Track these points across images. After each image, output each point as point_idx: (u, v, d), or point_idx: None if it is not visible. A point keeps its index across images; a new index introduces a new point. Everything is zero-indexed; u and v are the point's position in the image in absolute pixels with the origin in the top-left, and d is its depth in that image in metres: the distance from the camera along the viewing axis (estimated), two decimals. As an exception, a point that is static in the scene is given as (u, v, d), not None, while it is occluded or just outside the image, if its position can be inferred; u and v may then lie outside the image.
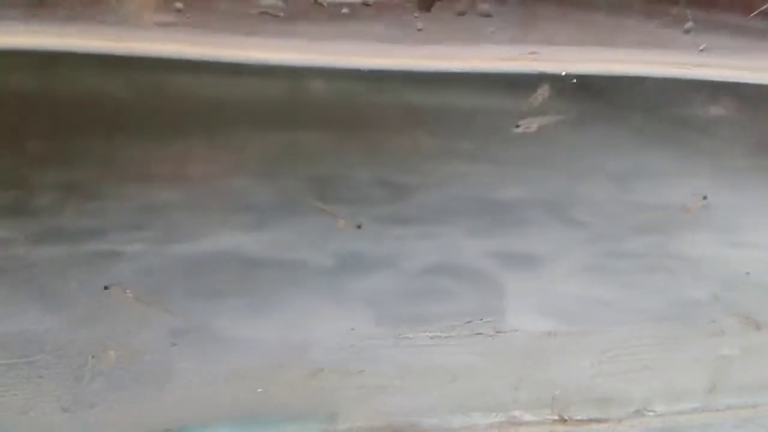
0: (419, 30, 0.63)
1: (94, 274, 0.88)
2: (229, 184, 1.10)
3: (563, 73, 0.66)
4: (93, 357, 0.72)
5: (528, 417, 0.70)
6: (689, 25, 0.69)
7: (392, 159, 1.26)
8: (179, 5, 0.61)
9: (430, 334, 0.74)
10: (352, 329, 0.77)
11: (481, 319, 0.75)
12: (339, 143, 1.30)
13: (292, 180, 1.14)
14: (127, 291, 0.80)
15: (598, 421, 0.71)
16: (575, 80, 0.68)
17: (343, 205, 1.09)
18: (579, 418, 0.70)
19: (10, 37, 0.62)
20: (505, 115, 1.31)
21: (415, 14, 0.64)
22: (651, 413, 0.81)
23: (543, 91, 0.80)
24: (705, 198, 0.92)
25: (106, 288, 0.81)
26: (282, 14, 0.61)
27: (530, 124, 0.88)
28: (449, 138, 1.32)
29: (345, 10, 0.62)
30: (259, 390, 0.71)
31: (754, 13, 0.70)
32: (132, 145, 1.12)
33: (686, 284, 0.93)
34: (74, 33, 0.63)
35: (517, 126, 0.90)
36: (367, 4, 0.61)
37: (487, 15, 0.65)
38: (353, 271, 0.93)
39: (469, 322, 0.75)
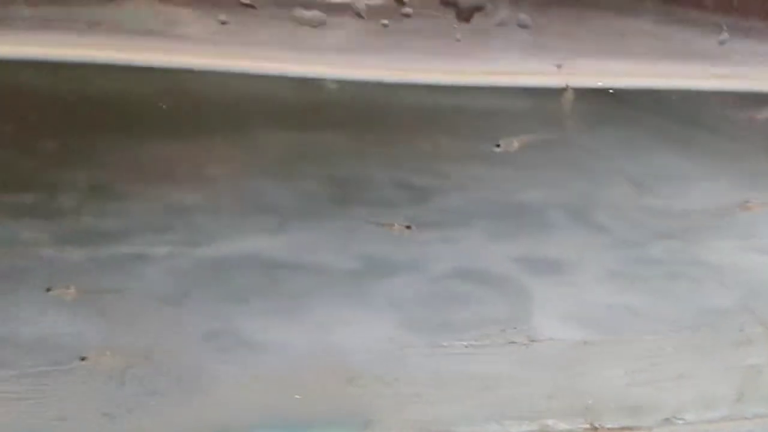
0: (458, 40, 0.64)
1: (122, 277, 0.88)
2: (249, 186, 1.11)
3: (599, 84, 0.67)
4: (131, 361, 0.72)
5: (561, 426, 0.70)
6: (724, 36, 0.69)
7: (411, 161, 1.27)
8: (223, 17, 0.61)
9: (465, 343, 0.74)
10: (389, 337, 0.78)
11: (515, 328, 0.75)
12: (357, 145, 1.30)
13: (311, 182, 1.14)
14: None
15: (629, 429, 0.72)
16: (612, 90, 0.68)
17: (362, 207, 1.09)
18: (610, 426, 0.71)
19: (49, 49, 0.62)
20: (525, 118, 1.32)
21: (455, 25, 0.64)
22: (681, 421, 0.81)
23: (568, 96, 0.80)
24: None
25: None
26: (323, 26, 0.61)
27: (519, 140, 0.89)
28: (467, 140, 1.33)
29: (385, 21, 0.62)
30: (297, 396, 0.71)
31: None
32: (153, 147, 1.13)
33: (712, 292, 0.93)
34: (114, 46, 0.63)
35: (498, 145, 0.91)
36: (406, 16, 0.61)
37: (525, 26, 0.65)
38: (379, 276, 0.93)
39: (503, 330, 0.75)
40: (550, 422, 0.70)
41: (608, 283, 0.93)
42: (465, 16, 0.62)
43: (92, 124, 1.18)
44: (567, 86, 0.66)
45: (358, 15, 0.61)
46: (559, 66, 0.66)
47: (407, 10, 0.61)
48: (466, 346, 0.74)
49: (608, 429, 0.71)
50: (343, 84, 1.35)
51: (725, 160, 1.10)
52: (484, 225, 1.08)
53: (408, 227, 0.94)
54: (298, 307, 0.85)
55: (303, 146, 1.28)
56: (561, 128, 1.26)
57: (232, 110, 1.29)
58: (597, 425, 0.70)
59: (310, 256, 0.96)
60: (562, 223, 1.09)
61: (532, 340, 0.75)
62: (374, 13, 0.62)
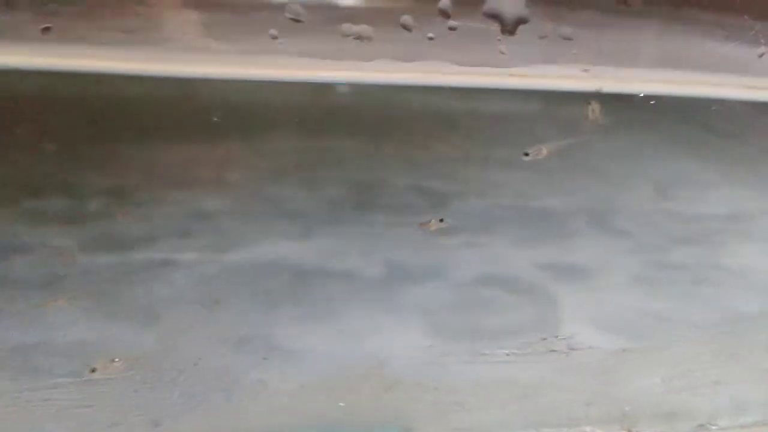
0: (502, 54, 0.64)
1: (153, 282, 0.89)
2: (270, 192, 1.11)
3: (641, 95, 0.67)
4: (179, 368, 0.73)
5: (599, 432, 0.71)
6: (763, 49, 0.70)
7: (430, 166, 1.27)
8: (274, 32, 0.61)
9: (506, 351, 0.75)
10: (428, 345, 0.78)
11: (556, 336, 0.76)
12: (376, 151, 1.31)
13: (332, 188, 1.15)
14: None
15: (666, 435, 0.73)
16: (653, 102, 0.69)
17: (381, 212, 1.09)
18: (647, 433, 0.72)
19: (83, 60, 0.62)
20: (548, 124, 1.32)
21: (498, 38, 0.64)
22: (714, 427, 0.82)
23: (595, 105, 0.81)
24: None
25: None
26: (371, 38, 0.62)
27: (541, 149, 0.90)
28: (488, 145, 1.33)
29: (431, 35, 0.63)
30: (341, 404, 0.72)
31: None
32: (172, 153, 1.13)
33: (738, 296, 0.94)
34: (159, 60, 0.63)
35: (526, 154, 0.92)
36: (452, 29, 0.62)
37: (568, 38, 0.66)
38: (406, 282, 0.94)
39: (544, 339, 0.76)
40: (587, 429, 0.71)
41: (634, 288, 0.94)
42: (509, 28, 0.63)
43: (114, 130, 1.18)
44: (599, 90, 0.67)
45: (405, 28, 0.61)
46: (586, 71, 0.67)
47: (453, 23, 0.62)
48: (508, 354, 0.75)
49: (645, 435, 0.71)
50: (359, 88, 1.36)
51: (747, 166, 1.11)
52: (507, 231, 1.08)
53: (441, 220, 0.95)
54: (329, 314, 0.86)
55: (321, 152, 1.28)
56: (583, 134, 1.27)
57: (249, 116, 1.29)
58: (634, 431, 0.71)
59: (336, 262, 0.97)
60: (584, 230, 1.09)
61: (572, 348, 0.76)
62: (420, 26, 0.62)
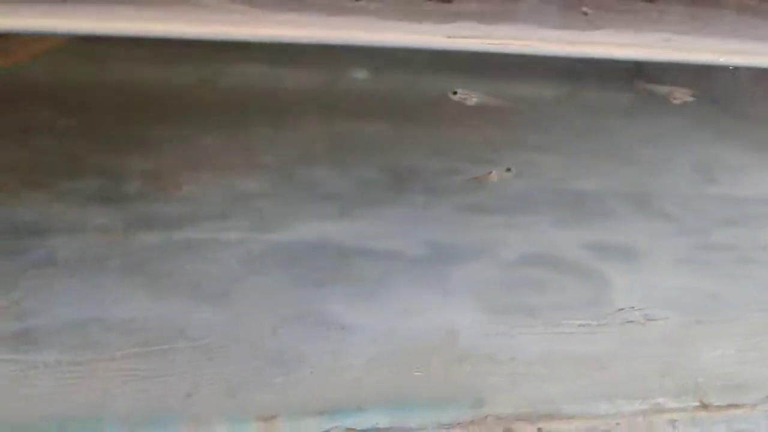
0: (585, 14, 0.64)
1: (199, 261, 0.88)
2: (305, 174, 1.10)
3: (719, 61, 0.67)
4: (251, 341, 0.72)
5: (671, 404, 0.70)
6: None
7: (460, 149, 1.27)
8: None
9: (581, 322, 0.74)
10: (493, 319, 0.78)
11: (633, 307, 0.75)
12: (407, 133, 1.30)
13: (364, 169, 1.14)
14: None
15: (735, 406, 0.72)
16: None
17: (418, 194, 1.09)
18: (718, 404, 0.71)
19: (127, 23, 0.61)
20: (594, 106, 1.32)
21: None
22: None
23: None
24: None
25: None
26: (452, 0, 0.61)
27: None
28: (516, 128, 1.33)
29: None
30: (417, 373, 0.71)
31: None
32: (207, 136, 1.12)
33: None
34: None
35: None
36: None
37: (651, 0, 0.65)
38: (450, 261, 0.94)
39: (621, 309, 0.75)
40: (660, 400, 0.70)
41: (681, 268, 0.94)
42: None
43: (149, 114, 1.17)
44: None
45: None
46: (667, 41, 0.66)
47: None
48: (582, 326, 0.74)
49: (716, 407, 0.71)
50: (382, 75, 1.35)
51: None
52: (547, 211, 1.08)
53: (508, 170, 0.94)
54: (380, 292, 0.85)
55: (351, 135, 1.28)
56: (621, 116, 1.27)
57: (277, 101, 1.29)
58: (707, 403, 0.70)
59: (376, 242, 0.96)
60: (623, 210, 1.09)
61: (649, 319, 0.75)
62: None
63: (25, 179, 0.96)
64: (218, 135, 1.17)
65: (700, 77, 1.07)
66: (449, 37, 0.62)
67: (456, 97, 0.98)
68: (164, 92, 1.22)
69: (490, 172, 1.03)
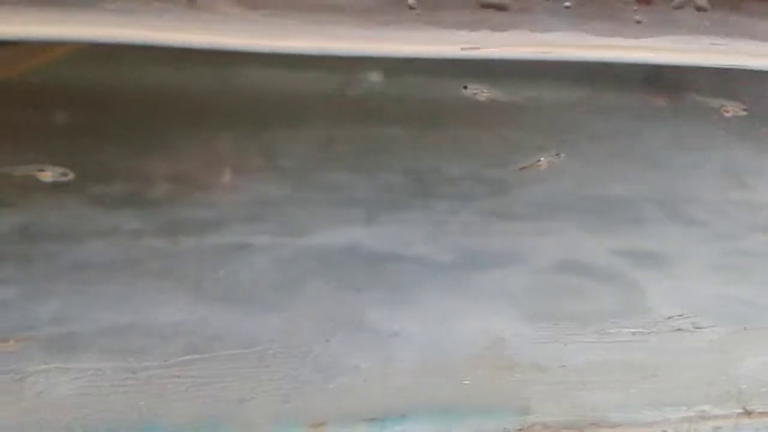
0: (638, 23, 0.64)
1: (233, 265, 0.87)
2: (330, 178, 1.10)
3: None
4: (306, 347, 0.72)
5: (716, 411, 0.70)
6: None
7: (483, 154, 1.26)
8: (412, 2, 0.60)
9: (632, 330, 0.74)
10: (535, 328, 0.78)
11: (681, 315, 0.75)
12: (427, 135, 1.30)
13: (388, 175, 1.14)
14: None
15: (778, 413, 0.73)
16: None
17: (440, 200, 1.09)
18: (761, 410, 0.71)
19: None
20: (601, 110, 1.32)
21: (635, 7, 0.64)
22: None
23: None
24: None
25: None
26: (507, 9, 0.61)
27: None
28: (537, 134, 1.33)
29: (567, 4, 0.62)
30: (466, 382, 0.71)
31: None
32: (228, 140, 1.12)
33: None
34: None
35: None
36: (589, -1, 0.61)
37: (703, 9, 0.65)
38: (480, 267, 0.93)
39: (670, 318, 0.75)
40: (706, 408, 0.70)
41: (715, 275, 0.94)
42: (646, -1, 0.62)
43: (170, 118, 1.16)
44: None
45: (541, -3, 0.61)
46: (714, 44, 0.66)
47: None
48: (633, 334, 0.74)
49: (759, 413, 0.71)
50: (401, 79, 1.35)
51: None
52: (575, 218, 1.07)
53: (557, 155, 0.93)
54: (417, 299, 0.85)
55: (373, 140, 1.27)
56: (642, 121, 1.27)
57: (295, 104, 1.28)
58: (750, 410, 0.71)
59: (405, 247, 0.96)
60: (654, 216, 1.09)
61: (697, 328, 0.75)
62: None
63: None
64: (239, 139, 1.17)
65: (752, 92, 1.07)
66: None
67: (467, 92, 0.98)
68: (181, 95, 1.21)
69: (539, 161, 1.02)
